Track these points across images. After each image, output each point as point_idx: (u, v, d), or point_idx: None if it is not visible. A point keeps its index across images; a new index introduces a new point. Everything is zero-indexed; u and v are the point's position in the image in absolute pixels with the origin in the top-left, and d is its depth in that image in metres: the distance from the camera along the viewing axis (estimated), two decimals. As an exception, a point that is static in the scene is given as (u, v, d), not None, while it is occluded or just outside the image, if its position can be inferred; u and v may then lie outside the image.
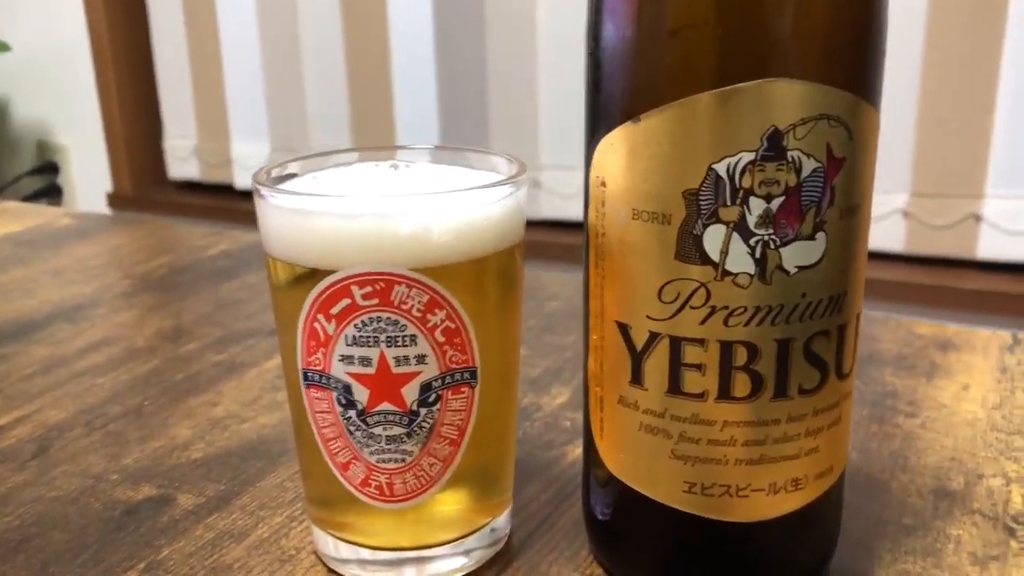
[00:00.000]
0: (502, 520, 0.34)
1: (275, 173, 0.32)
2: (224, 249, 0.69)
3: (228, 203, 1.78)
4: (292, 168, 0.33)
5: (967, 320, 1.27)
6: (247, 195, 1.76)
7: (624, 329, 0.29)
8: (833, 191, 0.26)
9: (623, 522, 0.31)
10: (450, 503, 0.32)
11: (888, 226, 1.33)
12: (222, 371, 0.49)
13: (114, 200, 1.91)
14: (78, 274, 0.64)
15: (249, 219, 1.37)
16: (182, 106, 1.82)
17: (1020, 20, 1.18)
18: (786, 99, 0.25)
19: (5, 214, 0.80)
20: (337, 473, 0.31)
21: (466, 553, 0.33)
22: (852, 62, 0.26)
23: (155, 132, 1.88)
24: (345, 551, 0.33)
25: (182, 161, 1.86)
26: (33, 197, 1.98)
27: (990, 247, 1.28)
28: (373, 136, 1.62)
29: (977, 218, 1.28)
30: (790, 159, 0.25)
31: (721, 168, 0.26)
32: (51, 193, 1.99)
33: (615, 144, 0.27)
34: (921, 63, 1.23)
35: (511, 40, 1.47)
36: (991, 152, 1.25)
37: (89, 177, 1.93)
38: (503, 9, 1.46)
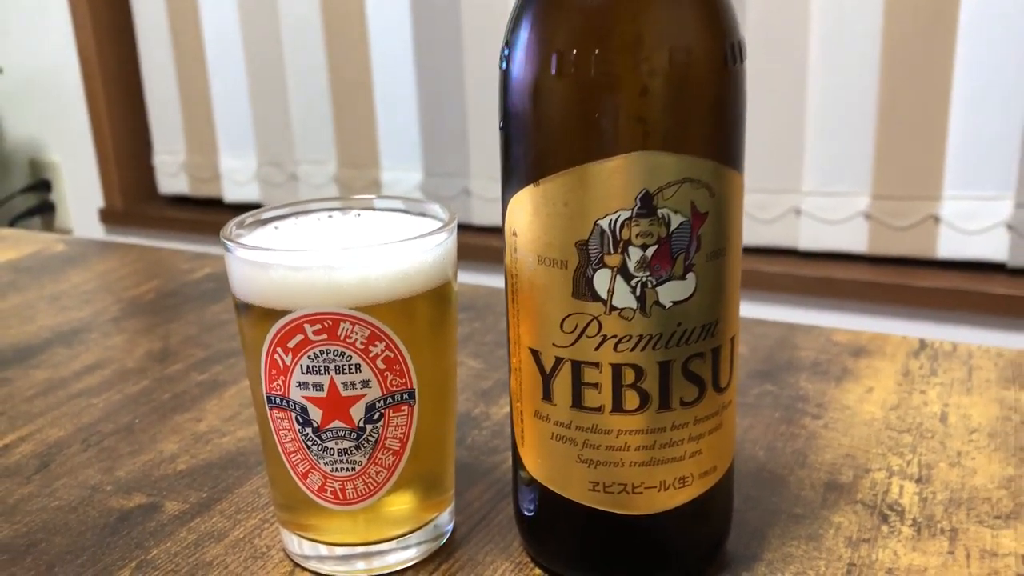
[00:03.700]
0: (444, 517, 0.39)
1: (245, 222, 0.37)
2: (209, 272, 0.74)
3: (217, 217, 1.83)
4: (263, 216, 0.38)
5: (928, 317, 1.33)
6: (236, 208, 1.81)
7: (536, 354, 0.34)
8: (699, 239, 0.32)
9: (543, 517, 0.37)
10: (396, 504, 0.37)
11: (851, 228, 1.38)
12: (205, 390, 0.54)
13: (106, 215, 1.96)
14: (72, 300, 0.70)
15: None
16: (171, 123, 1.87)
17: (970, 31, 1.24)
18: (654, 168, 0.30)
19: (3, 241, 0.85)
20: (298, 481, 0.36)
21: (411, 547, 0.38)
22: (710, 136, 0.31)
23: (145, 148, 1.93)
24: (307, 548, 0.38)
25: (171, 176, 1.91)
26: (26, 214, 2.03)
27: (949, 247, 1.34)
28: (356, 150, 1.67)
29: (936, 219, 1.34)
30: (660, 215, 0.31)
31: (604, 223, 0.31)
32: (44, 210, 2.04)
33: (522, 202, 0.33)
34: (879, 74, 1.29)
35: (488, 58, 1.52)
36: (947, 156, 1.30)
37: (81, 194, 1.98)
38: (480, 29, 1.51)
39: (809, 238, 1.40)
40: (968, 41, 1.25)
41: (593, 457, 0.34)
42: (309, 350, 0.34)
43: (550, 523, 0.37)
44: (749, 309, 1.43)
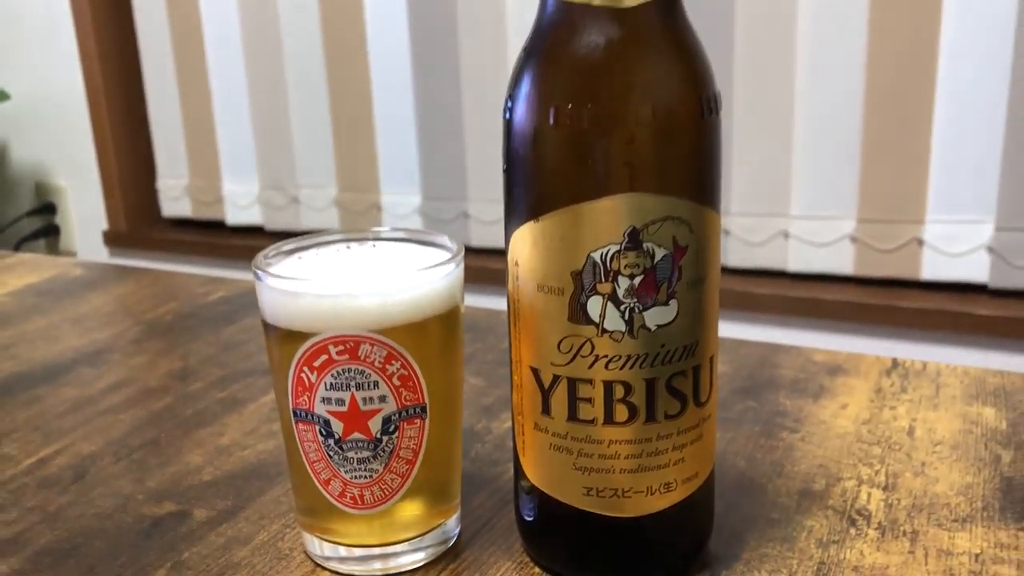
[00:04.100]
0: (452, 522, 0.43)
1: (270, 254, 0.41)
2: (223, 295, 0.78)
3: (219, 239, 1.87)
4: (285, 248, 0.42)
5: (912, 336, 1.38)
6: (237, 231, 1.86)
7: (536, 372, 0.38)
8: (680, 270, 0.36)
9: (542, 521, 0.41)
10: (409, 509, 0.41)
11: (838, 250, 1.43)
12: (225, 406, 0.58)
13: (109, 238, 2.00)
14: (94, 322, 0.74)
15: (238, 254, 1.53)
16: (174, 148, 1.91)
17: (950, 62, 1.29)
18: (640, 207, 0.35)
19: (23, 265, 0.89)
20: (320, 488, 0.40)
21: (422, 549, 0.42)
22: (689, 179, 0.35)
23: (148, 173, 1.97)
24: (328, 550, 0.42)
25: (175, 200, 1.95)
26: (32, 237, 2.07)
27: (932, 269, 1.38)
28: (356, 174, 1.71)
29: (920, 242, 1.38)
30: (645, 249, 0.35)
31: (596, 256, 0.35)
32: (49, 232, 2.08)
33: (523, 236, 0.37)
34: (863, 102, 1.34)
35: (485, 85, 1.57)
36: (930, 181, 1.35)
37: (86, 216, 2.02)
38: (478, 57, 1.56)
39: (798, 260, 1.45)
40: (948, 72, 1.29)
41: (587, 465, 0.38)
42: (333, 369, 0.38)
43: (548, 526, 0.40)
44: (741, 329, 1.49)
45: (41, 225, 2.07)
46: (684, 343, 0.37)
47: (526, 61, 0.36)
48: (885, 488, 0.46)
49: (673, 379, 0.37)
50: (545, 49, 0.36)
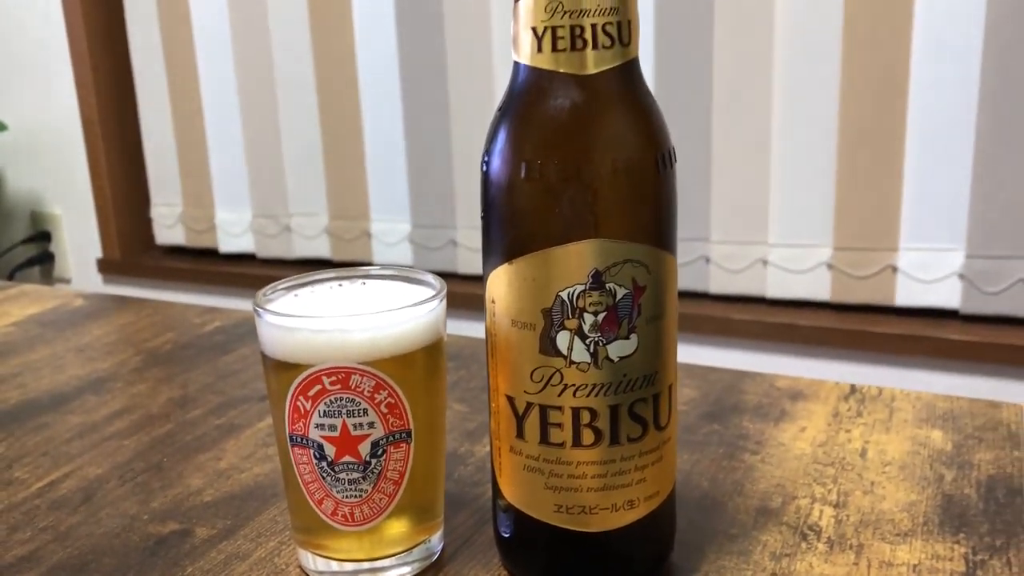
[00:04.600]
0: (435, 539, 0.47)
1: (268, 292, 0.45)
2: (219, 325, 0.82)
3: (212, 266, 1.90)
4: (282, 286, 0.46)
5: (887, 361, 1.42)
6: (230, 258, 1.89)
7: (511, 400, 0.42)
8: (640, 307, 0.40)
9: (518, 536, 0.44)
10: (395, 527, 0.45)
11: (815, 277, 1.47)
12: (223, 432, 0.61)
13: (104, 265, 2.03)
14: (96, 351, 0.77)
15: (231, 281, 1.58)
16: (168, 177, 1.95)
17: (920, 98, 1.34)
18: (603, 251, 0.39)
19: (26, 296, 0.92)
20: (314, 506, 0.44)
21: (408, 564, 0.45)
22: (646, 227, 0.40)
23: (143, 201, 2.00)
24: (321, 564, 0.45)
25: (168, 228, 1.99)
26: (27, 264, 2.10)
27: (906, 295, 1.43)
28: (347, 203, 1.76)
29: (894, 269, 1.43)
30: (608, 288, 0.39)
31: (564, 295, 0.39)
32: (44, 260, 2.11)
33: (499, 276, 0.41)
34: (837, 135, 1.38)
35: (473, 116, 1.61)
36: (902, 211, 1.40)
37: (80, 244, 2.06)
38: (465, 89, 1.60)
39: (776, 287, 1.49)
40: (919, 106, 1.35)
41: (557, 484, 0.42)
42: (326, 398, 0.41)
43: (523, 541, 0.44)
44: (721, 354, 1.53)
45: (36, 253, 2.10)
46: (644, 373, 0.41)
47: (501, 120, 0.40)
48: (836, 505, 0.50)
49: (635, 405, 0.41)
50: (517, 110, 0.40)
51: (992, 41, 1.28)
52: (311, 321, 0.42)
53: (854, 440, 0.57)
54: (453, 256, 1.69)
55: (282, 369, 0.43)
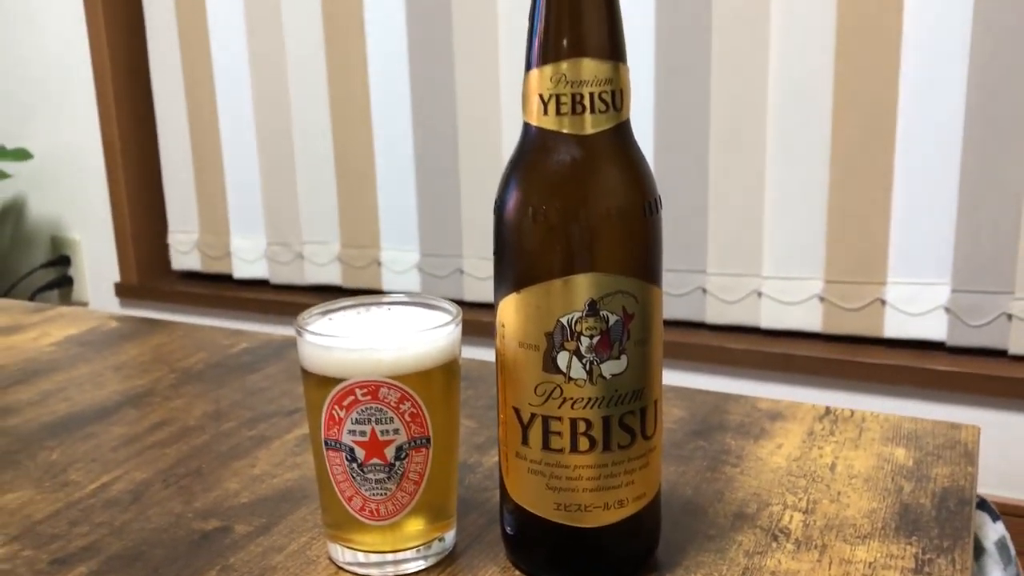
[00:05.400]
0: (449, 535, 0.53)
1: (307, 316, 0.52)
2: (246, 347, 0.88)
3: (226, 291, 1.97)
4: (317, 311, 0.53)
5: (875, 390, 1.48)
6: (243, 284, 1.96)
7: (517, 411, 0.48)
8: (629, 331, 0.46)
9: (522, 532, 0.50)
10: (414, 523, 0.51)
11: (807, 309, 1.53)
12: (255, 442, 0.68)
13: (121, 289, 2.10)
14: (134, 369, 0.84)
15: (244, 305, 1.67)
16: (186, 204, 2.02)
17: (907, 141, 1.41)
18: (597, 284, 0.45)
19: (64, 318, 0.99)
20: (345, 503, 0.50)
21: (425, 557, 0.52)
22: (635, 263, 0.46)
23: (160, 228, 2.08)
24: (349, 556, 0.51)
25: (184, 254, 2.06)
26: (46, 287, 2.17)
27: (894, 327, 1.49)
28: (358, 232, 1.83)
29: (882, 302, 1.49)
30: (601, 316, 0.45)
31: (564, 320, 0.46)
32: (63, 283, 2.18)
33: (508, 304, 0.47)
34: (829, 174, 1.45)
35: (480, 148, 1.68)
36: (890, 246, 1.46)
37: (98, 269, 2.13)
38: (474, 126, 1.68)
39: (770, 318, 1.55)
40: (906, 146, 1.42)
41: (557, 485, 0.48)
42: (358, 407, 0.48)
43: (527, 536, 0.50)
44: (716, 382, 1.60)
45: (55, 276, 2.17)
46: (633, 388, 0.47)
47: (512, 171, 0.47)
48: (805, 512, 0.56)
49: (624, 417, 0.47)
50: (526, 163, 0.47)
51: (975, 85, 1.35)
52: (346, 341, 0.48)
53: (825, 456, 0.63)
54: (460, 284, 1.75)
55: (320, 382, 0.49)
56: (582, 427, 0.47)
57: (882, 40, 1.39)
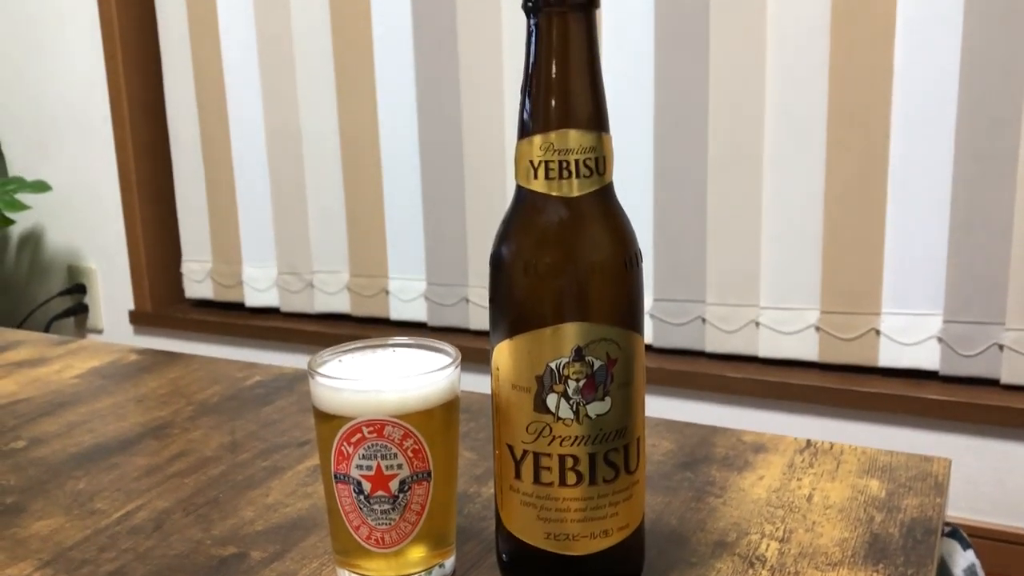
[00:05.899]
0: (449, 561, 0.57)
1: (318, 359, 0.56)
2: (259, 380, 0.93)
3: (238, 320, 2.02)
4: (327, 354, 0.57)
5: (870, 418, 1.51)
6: (255, 312, 2.01)
7: (510, 448, 0.53)
8: (613, 375, 0.51)
9: (516, 559, 0.55)
10: (417, 550, 0.55)
11: (803, 338, 1.57)
12: (269, 472, 0.72)
13: (135, 317, 2.15)
14: (153, 401, 0.88)
15: (256, 333, 1.74)
16: (199, 234, 2.07)
17: (901, 167, 1.45)
18: (583, 332, 0.50)
19: (85, 351, 1.04)
20: (352, 532, 0.54)
21: (427, 580, 0.56)
22: (618, 313, 0.51)
23: (174, 257, 2.13)
24: (356, 580, 0.56)
25: (197, 283, 2.11)
26: (63, 315, 2.22)
27: (888, 356, 1.52)
28: (367, 261, 1.87)
29: (877, 332, 1.53)
30: (587, 361, 0.50)
31: (553, 365, 0.50)
32: (78, 311, 2.24)
33: (502, 350, 0.52)
34: (823, 207, 1.50)
35: (486, 180, 1.73)
36: (884, 278, 1.50)
37: (113, 297, 2.18)
38: (479, 159, 1.73)
39: (767, 347, 1.59)
40: (899, 179, 1.46)
41: (547, 516, 0.52)
42: (365, 443, 0.52)
43: (520, 563, 0.55)
44: (715, 410, 1.63)
45: (71, 304, 2.23)
46: (617, 427, 0.51)
47: (505, 229, 0.52)
48: (781, 540, 0.60)
49: (609, 454, 0.51)
50: (518, 222, 0.51)
51: (965, 121, 1.39)
52: (354, 383, 0.53)
53: (803, 487, 0.67)
54: (465, 313, 1.80)
55: (329, 420, 0.54)
56: (570, 463, 0.51)
57: (874, 77, 1.44)
